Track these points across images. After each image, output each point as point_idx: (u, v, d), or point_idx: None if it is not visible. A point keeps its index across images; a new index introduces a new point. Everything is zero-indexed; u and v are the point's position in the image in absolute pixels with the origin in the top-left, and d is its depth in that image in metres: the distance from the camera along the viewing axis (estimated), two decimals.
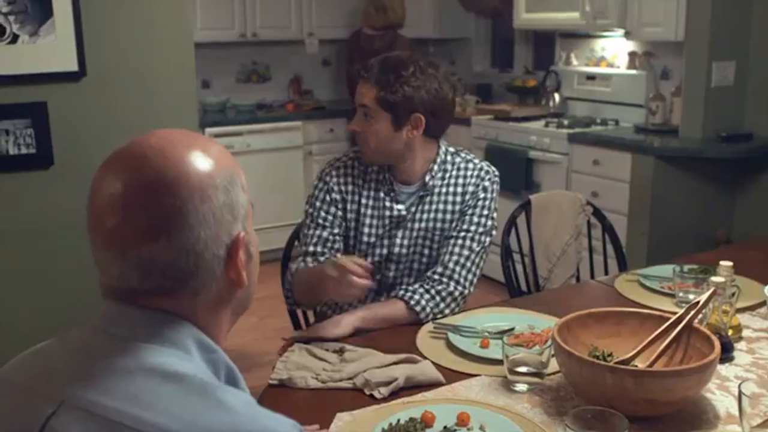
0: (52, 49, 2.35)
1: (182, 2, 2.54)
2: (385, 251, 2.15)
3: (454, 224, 2.11)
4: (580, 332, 1.61)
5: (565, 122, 4.55)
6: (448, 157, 2.15)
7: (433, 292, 2.01)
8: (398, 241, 2.13)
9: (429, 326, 1.93)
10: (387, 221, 2.13)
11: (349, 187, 2.15)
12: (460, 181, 2.13)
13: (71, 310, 2.44)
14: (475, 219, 2.10)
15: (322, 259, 2.06)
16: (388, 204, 2.13)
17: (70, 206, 2.44)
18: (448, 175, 2.14)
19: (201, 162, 0.92)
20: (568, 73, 4.99)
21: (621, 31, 4.50)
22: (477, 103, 5.21)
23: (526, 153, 4.47)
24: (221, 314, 0.97)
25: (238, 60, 5.66)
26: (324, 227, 2.11)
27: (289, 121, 5.26)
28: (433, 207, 2.12)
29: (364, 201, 2.14)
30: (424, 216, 2.12)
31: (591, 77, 4.86)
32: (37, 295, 2.46)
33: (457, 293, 2.04)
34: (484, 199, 2.12)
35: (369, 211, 2.15)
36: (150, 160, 0.90)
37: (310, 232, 2.11)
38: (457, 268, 2.05)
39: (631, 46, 4.65)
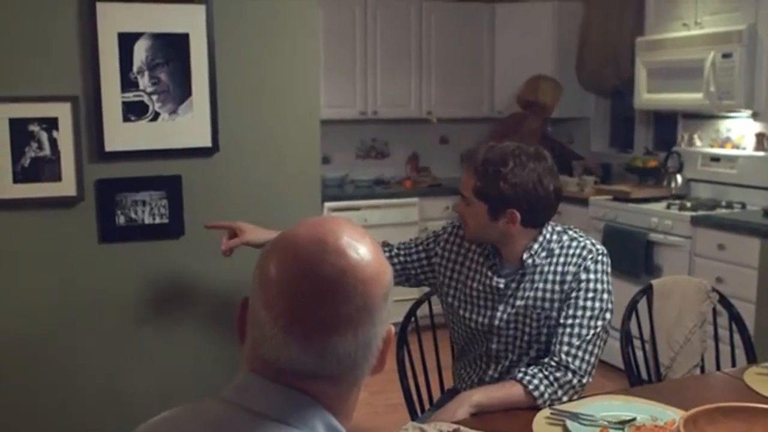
0: (189, 126, 2.49)
1: (312, 83, 2.65)
2: (486, 321, 2.15)
3: (557, 305, 2.07)
4: (708, 427, 1.54)
5: (688, 204, 4.42)
6: (554, 236, 2.12)
7: (551, 378, 1.98)
8: (499, 314, 2.13)
9: (546, 412, 1.89)
10: (488, 292, 2.15)
11: (455, 248, 2.24)
12: (562, 260, 2.09)
13: (193, 376, 2.52)
14: (581, 303, 2.04)
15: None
16: (489, 275, 2.14)
17: (198, 274, 2.55)
18: (554, 253, 2.10)
19: (383, 261, 0.98)
20: (691, 154, 4.87)
21: (748, 112, 4.38)
22: (595, 183, 5.15)
23: (646, 235, 4.36)
24: (354, 396, 1.00)
25: (358, 136, 5.83)
26: (408, 247, 2.34)
27: (406, 197, 5.35)
28: (535, 285, 2.09)
29: (470, 264, 2.20)
30: (526, 294, 2.10)
31: (715, 159, 4.72)
32: (160, 359, 2.55)
33: (575, 381, 1.99)
34: (587, 281, 2.05)
35: (473, 276, 2.18)
36: (349, 256, 0.94)
37: (409, 241, 2.37)
38: (569, 359, 2.00)
39: (758, 127, 4.50)
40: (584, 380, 2.00)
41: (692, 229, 4.15)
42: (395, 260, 2.33)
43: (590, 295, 2.04)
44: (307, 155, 2.66)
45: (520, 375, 1.99)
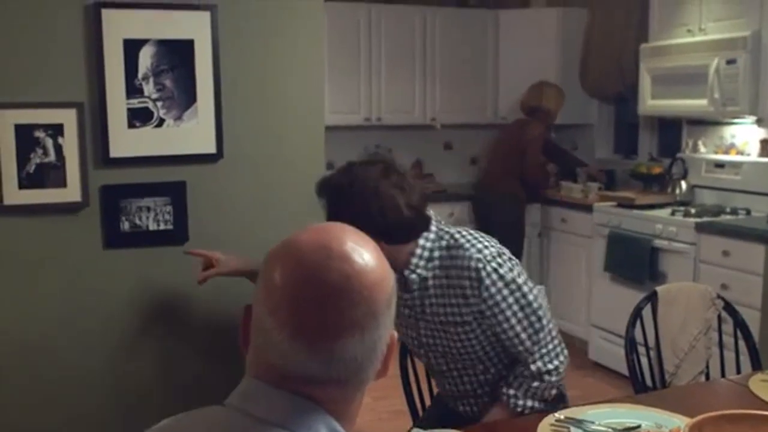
0: (193, 133, 2.49)
1: (317, 89, 2.65)
2: (416, 337, 2.16)
3: (470, 318, 2.02)
4: None
5: (693, 211, 4.42)
6: (436, 244, 2.05)
7: (531, 392, 2.03)
8: (422, 331, 2.13)
9: (550, 419, 1.88)
10: (405, 308, 2.12)
11: None
12: (454, 272, 2.01)
13: (197, 381, 2.52)
14: (508, 313, 2.00)
15: None
16: (400, 293, 2.12)
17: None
18: (444, 264, 2.03)
19: (386, 266, 0.99)
20: (696, 161, 4.87)
21: (752, 118, 4.38)
22: (599, 190, 5.15)
23: (650, 242, 4.35)
24: (357, 401, 1.00)
25: (362, 142, 5.83)
26: None
27: None
28: (438, 300, 2.05)
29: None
30: (433, 308, 2.07)
31: (720, 165, 4.72)
32: (163, 365, 2.55)
33: (554, 378, 2.04)
34: (496, 294, 1.98)
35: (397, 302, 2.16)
36: (354, 261, 0.95)
37: None
38: (540, 364, 2.02)
39: (763, 133, 4.50)
40: (560, 363, 2.04)
41: (697, 235, 4.14)
42: None
43: (510, 300, 1.99)
44: (311, 161, 2.66)
45: (505, 398, 2.04)
